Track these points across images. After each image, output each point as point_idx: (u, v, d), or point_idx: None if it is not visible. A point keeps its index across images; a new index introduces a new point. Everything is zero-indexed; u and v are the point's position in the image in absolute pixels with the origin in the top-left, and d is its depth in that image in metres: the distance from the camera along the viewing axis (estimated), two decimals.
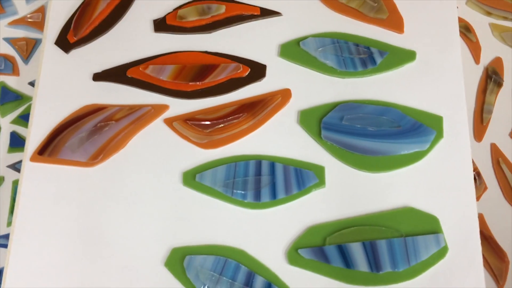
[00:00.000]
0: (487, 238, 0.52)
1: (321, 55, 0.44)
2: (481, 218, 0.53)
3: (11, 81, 0.54)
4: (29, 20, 0.57)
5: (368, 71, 0.44)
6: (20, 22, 0.57)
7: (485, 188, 0.54)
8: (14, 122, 0.52)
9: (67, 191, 0.41)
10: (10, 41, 0.56)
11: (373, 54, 0.44)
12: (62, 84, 0.44)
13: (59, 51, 0.46)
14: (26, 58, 0.55)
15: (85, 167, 0.41)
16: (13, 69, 0.55)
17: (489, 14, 0.63)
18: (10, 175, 0.49)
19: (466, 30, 0.62)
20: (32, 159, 0.41)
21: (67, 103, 0.44)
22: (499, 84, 0.59)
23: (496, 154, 0.56)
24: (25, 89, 0.54)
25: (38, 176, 0.41)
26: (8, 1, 0.58)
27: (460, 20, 0.61)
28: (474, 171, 0.54)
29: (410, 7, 0.47)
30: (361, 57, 0.44)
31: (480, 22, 0.62)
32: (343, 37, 0.45)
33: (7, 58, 0.55)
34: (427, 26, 0.46)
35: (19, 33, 0.57)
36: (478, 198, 0.54)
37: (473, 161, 0.55)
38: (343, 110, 0.42)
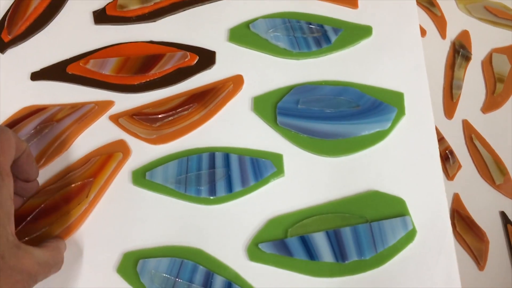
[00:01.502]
0: (464, 218, 0.50)
1: (273, 37, 0.42)
2: (456, 197, 0.51)
3: None
4: None
5: (323, 50, 0.42)
6: None
7: (459, 166, 0.52)
8: None
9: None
10: None
11: (327, 32, 0.42)
12: None
13: None
14: None
15: None
16: None
17: None
18: None
19: (430, 4, 0.60)
20: None
21: (5, 106, 0.41)
22: (467, 58, 0.57)
23: (468, 130, 0.54)
24: None
25: None
26: None
27: None
28: (446, 149, 0.52)
29: None
30: (315, 36, 0.42)
31: None
32: (295, 16, 0.43)
33: None
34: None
35: None
36: (452, 177, 0.52)
37: (445, 140, 0.53)
38: (298, 93, 0.40)
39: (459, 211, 0.50)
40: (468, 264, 0.48)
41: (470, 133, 0.53)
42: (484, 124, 0.54)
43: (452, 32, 0.59)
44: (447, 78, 0.56)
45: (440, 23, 0.59)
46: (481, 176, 0.52)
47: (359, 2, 0.44)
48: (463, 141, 0.53)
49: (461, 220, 0.50)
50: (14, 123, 0.40)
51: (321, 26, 0.42)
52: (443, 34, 0.59)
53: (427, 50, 0.50)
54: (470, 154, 0.53)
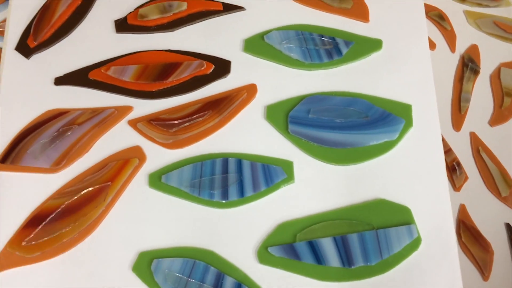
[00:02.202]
0: (469, 229, 0.51)
1: (286, 48, 0.43)
2: (462, 208, 0.52)
3: None
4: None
5: (334, 62, 0.43)
6: None
7: (466, 177, 0.53)
8: None
9: (31, 199, 0.39)
10: None
11: (338, 44, 0.43)
12: (23, 90, 0.43)
13: (20, 56, 0.45)
14: None
15: (48, 173, 0.40)
16: None
17: (463, 1, 0.62)
18: None
19: (440, 18, 0.61)
20: None
21: (29, 109, 0.43)
22: (475, 71, 0.58)
23: (476, 143, 0.55)
24: None
25: (1, 185, 0.40)
26: None
27: (434, 8, 0.60)
28: (453, 161, 0.53)
29: None
30: (327, 48, 0.43)
31: (454, 10, 0.62)
32: (308, 28, 0.44)
33: None
34: (393, 14, 0.45)
35: None
36: (459, 189, 0.53)
37: (452, 151, 0.54)
38: (309, 103, 0.41)
39: (465, 221, 0.51)
40: (472, 274, 0.49)
41: (477, 146, 0.54)
42: (491, 137, 0.55)
43: (462, 46, 0.60)
44: (455, 91, 0.57)
45: (450, 37, 0.60)
46: (487, 188, 0.53)
47: (370, 16, 0.45)
48: (470, 153, 0.54)
49: (467, 231, 0.51)
50: (38, 125, 0.41)
51: (333, 39, 0.44)
52: (452, 48, 0.60)
53: (437, 63, 0.51)
54: (477, 166, 0.54)
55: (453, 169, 0.53)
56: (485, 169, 0.54)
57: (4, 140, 0.42)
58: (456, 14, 0.61)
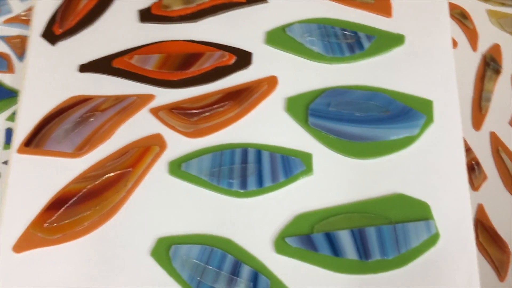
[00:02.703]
0: (487, 229, 0.50)
1: (308, 41, 0.43)
2: (481, 208, 0.52)
3: (6, 79, 0.54)
4: (23, 18, 0.57)
5: (356, 56, 0.43)
6: (15, 20, 0.57)
7: (485, 177, 0.53)
8: (9, 119, 0.52)
9: (53, 182, 0.40)
10: (5, 39, 0.56)
11: (360, 38, 0.43)
12: (49, 76, 0.44)
13: (45, 43, 0.46)
14: (21, 55, 0.55)
15: (71, 158, 0.41)
16: (8, 67, 0.55)
17: (486, 0, 0.62)
18: (7, 171, 0.49)
19: (462, 17, 0.61)
20: (19, 151, 0.41)
21: (54, 95, 0.43)
22: (497, 71, 0.57)
23: (495, 143, 0.54)
24: (20, 86, 0.54)
25: (25, 168, 0.41)
26: (2, 0, 0.58)
27: (456, 7, 0.60)
28: (473, 160, 0.53)
29: None
30: (348, 42, 0.43)
31: (477, 9, 0.61)
32: (330, 22, 0.44)
33: (2, 56, 0.55)
34: (416, 9, 0.45)
35: (14, 31, 0.57)
36: (477, 188, 0.52)
37: (472, 150, 0.54)
38: (330, 96, 0.41)
39: (483, 221, 0.51)
40: (489, 274, 0.49)
41: (497, 146, 0.54)
42: (511, 137, 0.54)
43: (483, 45, 0.59)
44: (476, 90, 0.57)
45: (472, 36, 0.59)
46: (506, 188, 0.52)
47: (394, 11, 0.45)
48: (490, 153, 0.54)
49: (484, 231, 0.50)
50: (62, 111, 0.42)
51: (355, 33, 0.44)
52: (474, 47, 0.59)
53: (458, 61, 0.51)
54: (496, 166, 0.53)
55: (472, 168, 0.53)
56: (504, 169, 0.53)
57: (29, 125, 0.42)
58: (478, 13, 0.60)
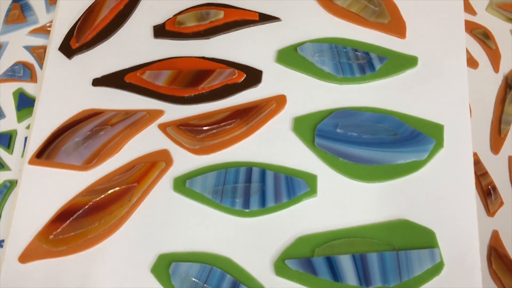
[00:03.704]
0: (501, 257, 0.49)
1: (318, 61, 0.43)
2: (495, 234, 0.50)
3: (29, 88, 0.56)
4: (49, 28, 0.59)
5: (366, 77, 0.42)
6: (40, 31, 0.59)
7: (501, 203, 0.51)
8: (29, 127, 0.53)
9: (61, 195, 0.41)
10: (30, 49, 0.58)
11: (372, 59, 0.43)
12: (63, 89, 0.45)
13: (62, 56, 0.47)
14: None
15: (79, 170, 0.42)
16: (31, 76, 0.56)
17: (510, 20, 0.60)
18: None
19: (485, 37, 0.59)
20: (30, 162, 0.42)
21: (67, 108, 0.45)
22: None
23: None
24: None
25: (35, 179, 0.42)
26: (29, 11, 0.60)
27: (479, 26, 0.58)
28: (489, 185, 0.51)
29: (413, 11, 0.45)
30: (360, 62, 0.43)
31: (501, 29, 0.59)
32: (342, 42, 0.44)
33: (26, 66, 0.57)
34: (431, 30, 0.44)
35: (39, 41, 0.58)
36: (493, 214, 0.51)
37: (489, 174, 0.52)
38: (338, 117, 0.41)
39: (497, 248, 0.49)
40: None
41: None
42: None
43: (506, 66, 0.57)
44: (496, 113, 0.55)
45: (494, 56, 0.58)
46: None
47: (408, 32, 0.44)
48: (508, 178, 0.52)
49: (498, 259, 0.48)
50: (73, 124, 0.43)
51: (367, 53, 0.43)
52: (496, 68, 0.57)
53: (478, 82, 0.50)
54: None
55: (488, 193, 0.51)
56: None
57: (42, 136, 0.43)
58: (502, 33, 0.59)
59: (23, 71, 0.56)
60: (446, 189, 0.39)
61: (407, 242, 0.37)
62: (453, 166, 0.39)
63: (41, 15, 0.59)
